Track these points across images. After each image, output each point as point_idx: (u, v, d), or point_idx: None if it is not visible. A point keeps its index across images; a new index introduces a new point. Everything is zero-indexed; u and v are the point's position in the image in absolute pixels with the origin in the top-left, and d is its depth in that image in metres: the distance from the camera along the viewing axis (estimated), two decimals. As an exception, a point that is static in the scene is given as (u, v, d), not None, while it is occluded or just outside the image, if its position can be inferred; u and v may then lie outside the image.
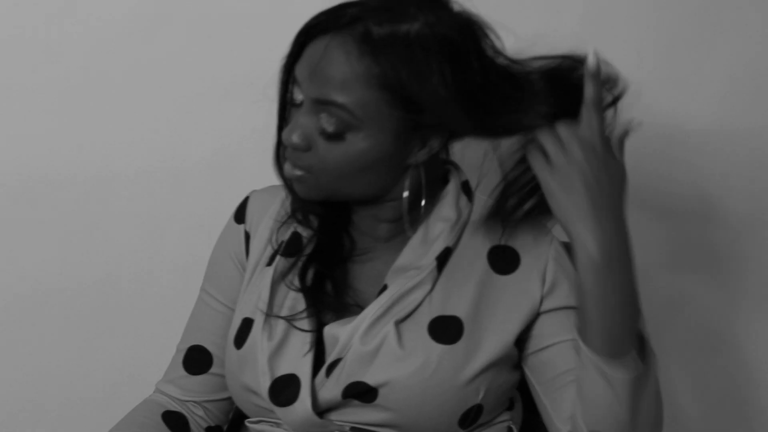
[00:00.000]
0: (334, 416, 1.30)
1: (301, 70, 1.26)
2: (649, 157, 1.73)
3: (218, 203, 1.68)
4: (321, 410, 1.29)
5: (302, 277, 1.35)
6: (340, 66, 1.22)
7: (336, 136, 1.24)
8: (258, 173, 1.65)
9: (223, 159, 1.76)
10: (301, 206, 1.38)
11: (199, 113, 1.75)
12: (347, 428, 1.30)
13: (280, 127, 1.33)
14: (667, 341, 1.81)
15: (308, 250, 1.38)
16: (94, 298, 1.80)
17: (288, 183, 1.34)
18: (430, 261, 1.33)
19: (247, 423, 1.39)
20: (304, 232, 1.39)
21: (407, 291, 1.31)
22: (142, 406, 1.44)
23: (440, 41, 1.21)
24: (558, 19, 1.71)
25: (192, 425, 1.43)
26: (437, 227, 1.35)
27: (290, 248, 1.39)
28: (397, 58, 1.20)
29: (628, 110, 1.68)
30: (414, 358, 1.27)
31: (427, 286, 1.31)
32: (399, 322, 1.29)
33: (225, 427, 1.47)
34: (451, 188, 1.36)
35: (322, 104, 1.24)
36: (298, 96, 1.27)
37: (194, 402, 1.44)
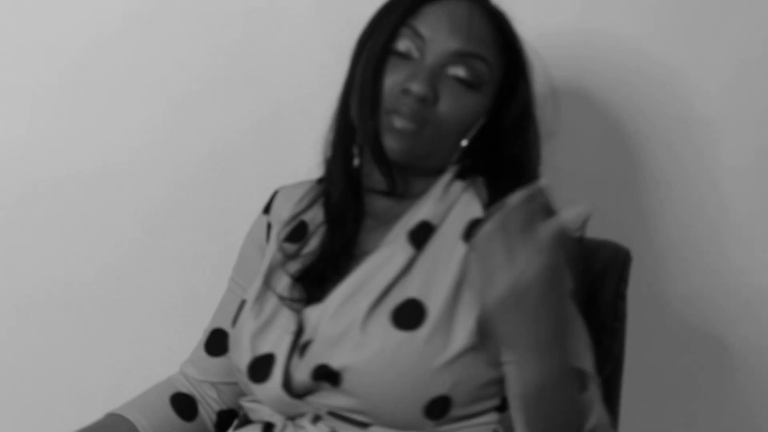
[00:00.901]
0: (311, 399, 1.29)
1: (431, 25, 1.31)
2: (655, 144, 1.72)
3: (218, 199, 1.71)
4: (298, 391, 1.29)
5: (302, 271, 1.36)
6: (483, 26, 1.33)
7: (472, 86, 1.32)
8: (257, 168, 1.70)
9: (222, 155, 1.75)
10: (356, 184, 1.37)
11: (196, 110, 1.74)
12: (324, 411, 1.29)
13: (375, 78, 1.32)
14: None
15: (314, 243, 1.38)
16: (95, 295, 1.79)
17: (382, 137, 1.31)
18: (401, 236, 1.31)
19: (240, 401, 1.40)
20: (311, 222, 1.40)
21: (374, 268, 1.29)
22: (156, 386, 1.47)
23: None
24: (559, 7, 1.69)
25: (201, 408, 1.45)
26: (421, 205, 1.34)
27: (295, 234, 1.41)
28: (511, 31, 1.37)
29: (635, 98, 1.71)
30: (372, 344, 1.24)
31: (397, 264, 1.29)
32: (372, 304, 1.27)
33: (242, 413, 1.46)
34: (450, 169, 1.36)
35: (462, 56, 1.31)
36: (413, 50, 1.32)
37: (210, 383, 1.46)
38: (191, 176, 1.76)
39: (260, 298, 1.37)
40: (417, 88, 1.29)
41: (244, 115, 1.72)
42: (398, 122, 1.30)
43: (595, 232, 1.37)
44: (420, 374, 1.23)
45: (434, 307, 1.26)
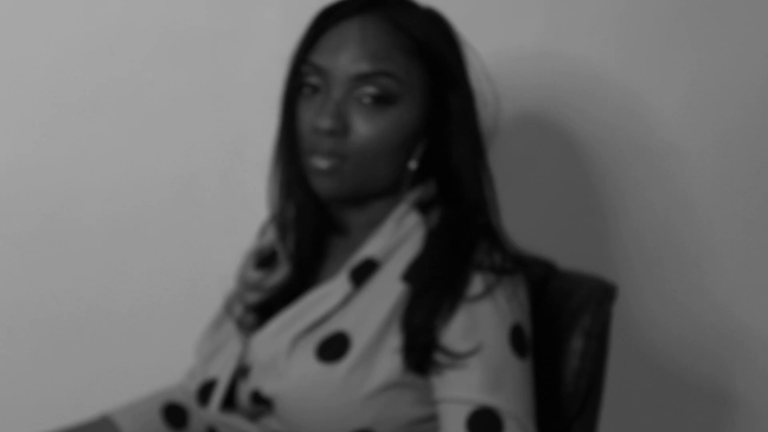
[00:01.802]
0: (263, 421, 1.29)
1: (326, 54, 1.27)
2: (615, 168, 1.72)
3: (185, 217, 1.72)
4: (246, 414, 1.30)
5: (258, 304, 1.36)
6: (381, 38, 1.27)
7: (385, 102, 1.26)
8: (222, 189, 1.72)
9: (190, 175, 1.75)
10: (306, 212, 1.35)
11: (165, 131, 1.75)
12: None
13: (288, 122, 1.31)
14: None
15: (278, 276, 1.37)
16: (61, 311, 1.78)
17: (309, 180, 1.30)
18: (342, 273, 1.30)
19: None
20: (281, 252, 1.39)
21: (313, 301, 1.29)
22: (154, 393, 1.47)
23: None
24: (519, 31, 1.69)
25: (193, 419, 1.46)
26: (371, 240, 1.32)
27: (266, 262, 1.41)
28: (424, 32, 1.29)
29: (595, 117, 1.71)
30: (293, 374, 1.25)
31: (334, 299, 1.28)
32: (300, 335, 1.27)
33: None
34: (407, 198, 1.32)
35: (364, 78, 1.25)
36: (319, 84, 1.28)
37: None
38: (159, 196, 1.76)
39: (219, 323, 1.39)
40: (323, 123, 1.25)
41: (211, 137, 1.73)
42: (318, 162, 1.27)
43: (555, 256, 1.38)
44: (339, 407, 1.22)
45: (360, 341, 1.25)
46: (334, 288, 1.29)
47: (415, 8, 1.31)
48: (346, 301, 1.28)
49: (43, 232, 1.77)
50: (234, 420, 1.30)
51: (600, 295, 1.38)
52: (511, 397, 1.20)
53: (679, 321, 1.75)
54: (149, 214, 1.76)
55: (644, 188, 1.72)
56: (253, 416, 1.28)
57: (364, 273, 1.29)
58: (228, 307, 1.39)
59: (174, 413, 1.45)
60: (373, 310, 1.25)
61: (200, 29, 1.72)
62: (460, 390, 1.20)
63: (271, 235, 1.43)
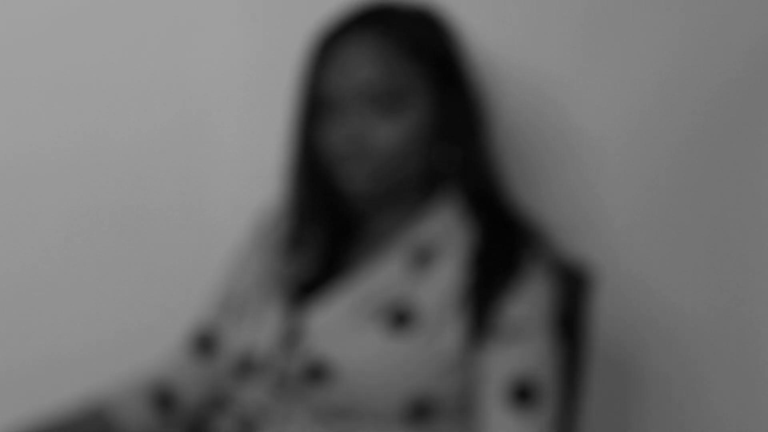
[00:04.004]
0: (315, 397, 1.38)
1: (337, 75, 1.40)
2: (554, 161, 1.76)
3: (135, 200, 1.75)
4: (302, 384, 1.39)
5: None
6: (383, 50, 1.39)
7: (395, 108, 1.39)
8: (175, 173, 1.75)
9: (141, 158, 1.78)
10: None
11: (117, 113, 1.77)
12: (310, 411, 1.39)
13: (305, 141, 1.44)
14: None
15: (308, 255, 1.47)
16: (13, 296, 1.79)
17: (344, 186, 1.42)
18: (399, 251, 1.42)
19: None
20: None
21: (374, 277, 1.40)
22: (144, 378, 1.54)
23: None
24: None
25: (182, 401, 1.52)
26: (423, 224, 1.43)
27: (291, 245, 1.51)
28: (423, 32, 1.42)
29: (545, 114, 1.73)
30: (358, 343, 1.37)
31: (395, 275, 1.40)
32: (364, 306, 1.38)
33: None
34: (450, 199, 1.44)
35: (375, 89, 1.39)
36: (331, 102, 1.41)
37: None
38: (117, 188, 1.78)
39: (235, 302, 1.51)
40: (348, 135, 1.39)
41: (165, 120, 1.76)
42: (352, 169, 1.40)
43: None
44: (402, 376, 1.34)
45: (424, 313, 1.36)
46: (393, 265, 1.40)
47: (411, 12, 1.43)
48: (408, 276, 1.39)
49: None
50: (281, 394, 1.38)
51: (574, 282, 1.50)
52: (550, 375, 1.37)
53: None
54: (108, 209, 1.78)
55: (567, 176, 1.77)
56: (304, 390, 1.36)
57: (425, 252, 1.40)
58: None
59: (164, 398, 1.50)
60: (436, 285, 1.38)
61: (160, 18, 1.76)
62: (506, 361, 1.35)
63: (283, 227, 1.52)
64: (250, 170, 1.73)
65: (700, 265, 1.77)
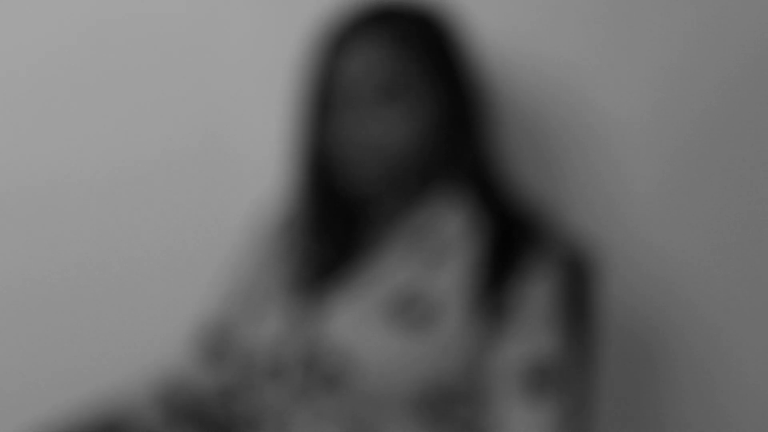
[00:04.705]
0: (333, 395, 1.42)
1: (347, 72, 1.41)
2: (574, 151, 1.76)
3: (167, 201, 1.74)
4: (325, 379, 1.42)
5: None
6: (389, 49, 1.41)
7: (401, 104, 1.41)
8: (200, 181, 1.74)
9: (166, 166, 1.77)
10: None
11: (144, 120, 1.76)
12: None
13: (315, 134, 1.45)
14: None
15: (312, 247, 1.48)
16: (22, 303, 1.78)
17: (354, 178, 1.43)
18: (406, 245, 1.44)
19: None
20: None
21: (385, 270, 1.43)
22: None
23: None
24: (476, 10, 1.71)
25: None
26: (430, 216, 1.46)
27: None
28: (425, 32, 1.44)
29: (556, 101, 1.74)
30: (375, 338, 1.39)
31: (406, 269, 1.42)
32: (377, 302, 1.40)
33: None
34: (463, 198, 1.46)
35: (381, 85, 1.40)
36: (343, 97, 1.42)
37: None
38: (137, 184, 1.77)
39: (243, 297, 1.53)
40: (367, 135, 1.41)
41: (191, 123, 1.76)
42: (364, 161, 1.42)
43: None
44: (420, 367, 1.36)
45: (440, 304, 1.39)
46: (408, 260, 1.43)
47: (417, 12, 1.45)
48: (424, 272, 1.41)
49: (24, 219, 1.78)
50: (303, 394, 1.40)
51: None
52: (566, 364, 1.39)
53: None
54: (128, 202, 1.77)
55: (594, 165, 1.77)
56: (327, 389, 1.38)
57: (439, 249, 1.43)
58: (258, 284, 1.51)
59: (179, 406, 1.52)
60: (451, 280, 1.40)
61: (179, 16, 1.74)
62: (521, 351, 1.37)
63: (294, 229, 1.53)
64: (271, 183, 1.71)
65: (725, 242, 1.77)
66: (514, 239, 1.42)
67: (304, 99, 1.47)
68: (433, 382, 1.37)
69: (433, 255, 1.43)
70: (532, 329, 1.38)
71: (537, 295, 1.39)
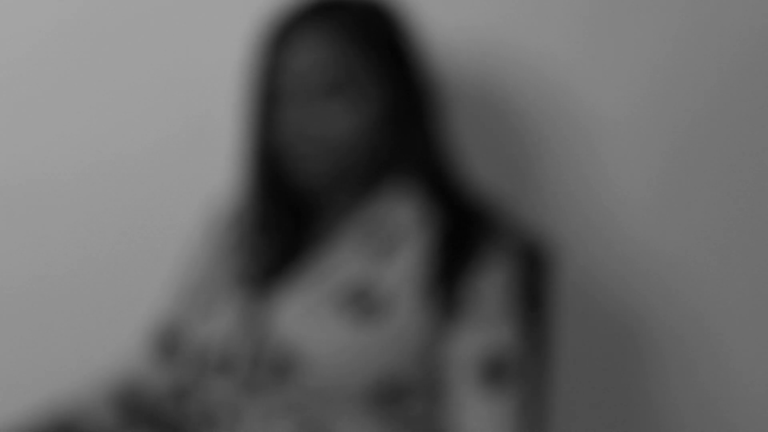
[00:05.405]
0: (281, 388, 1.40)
1: (290, 63, 1.41)
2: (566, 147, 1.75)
3: (152, 194, 1.74)
4: (272, 375, 1.40)
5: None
6: (335, 41, 1.40)
7: (345, 97, 1.40)
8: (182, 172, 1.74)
9: (155, 150, 1.77)
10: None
11: (132, 106, 1.77)
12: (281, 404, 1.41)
13: (261, 127, 1.44)
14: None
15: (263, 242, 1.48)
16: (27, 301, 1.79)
17: (299, 171, 1.42)
18: (356, 237, 1.43)
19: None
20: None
21: (334, 262, 1.42)
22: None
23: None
24: (464, 6, 1.72)
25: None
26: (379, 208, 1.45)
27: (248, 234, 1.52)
28: (372, 26, 1.43)
29: (543, 98, 1.73)
30: (323, 331, 1.38)
31: (356, 261, 1.42)
32: (327, 294, 1.40)
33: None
34: (415, 187, 1.45)
35: (325, 78, 1.39)
36: (287, 90, 1.41)
37: None
38: (122, 178, 1.77)
39: (192, 291, 1.52)
40: (306, 124, 1.40)
41: (175, 116, 1.76)
42: (307, 154, 1.41)
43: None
44: (369, 359, 1.35)
45: (389, 296, 1.38)
46: (356, 252, 1.42)
47: (362, 5, 1.44)
48: (373, 264, 1.40)
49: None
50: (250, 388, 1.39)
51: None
52: (520, 354, 1.39)
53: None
54: (113, 195, 1.77)
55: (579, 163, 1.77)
56: (274, 383, 1.37)
57: (387, 240, 1.42)
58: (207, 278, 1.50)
59: (130, 403, 1.51)
60: (400, 271, 1.39)
61: (164, 10, 1.75)
62: (475, 341, 1.37)
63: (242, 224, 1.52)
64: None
65: (715, 239, 1.76)
66: (466, 230, 1.41)
67: (250, 94, 1.46)
68: (385, 376, 1.36)
69: (383, 246, 1.42)
70: (487, 320, 1.37)
71: (491, 286, 1.38)
